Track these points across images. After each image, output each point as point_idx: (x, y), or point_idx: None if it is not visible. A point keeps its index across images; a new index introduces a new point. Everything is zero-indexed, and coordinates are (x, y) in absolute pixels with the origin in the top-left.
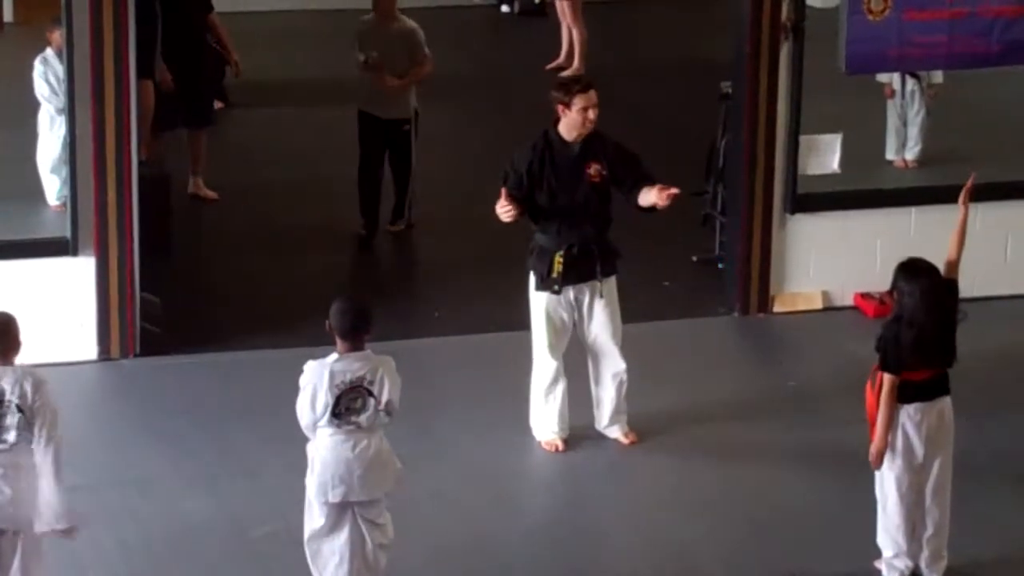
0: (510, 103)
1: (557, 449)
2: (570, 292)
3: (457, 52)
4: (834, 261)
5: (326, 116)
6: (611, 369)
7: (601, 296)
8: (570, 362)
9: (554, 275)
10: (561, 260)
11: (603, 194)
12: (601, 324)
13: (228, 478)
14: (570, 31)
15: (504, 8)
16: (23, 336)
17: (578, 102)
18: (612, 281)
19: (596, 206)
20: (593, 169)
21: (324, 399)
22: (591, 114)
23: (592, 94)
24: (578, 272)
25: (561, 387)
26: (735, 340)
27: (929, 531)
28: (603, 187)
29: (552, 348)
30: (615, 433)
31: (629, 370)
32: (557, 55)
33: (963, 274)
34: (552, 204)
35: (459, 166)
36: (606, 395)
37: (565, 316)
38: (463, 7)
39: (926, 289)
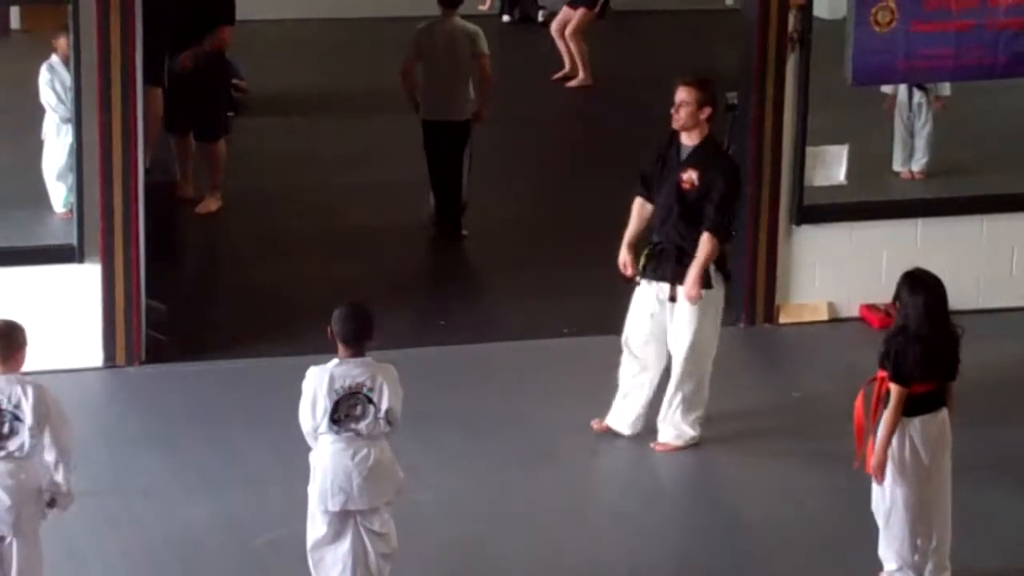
0: (517, 111)
1: (598, 428)
2: (654, 288)
3: None
4: (840, 272)
5: (334, 124)
6: (672, 378)
7: (673, 300)
8: None
9: (639, 267)
10: (645, 254)
11: (691, 203)
12: (673, 332)
13: (232, 486)
14: (566, 43)
15: (505, 18)
16: (29, 345)
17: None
18: (677, 289)
19: (680, 212)
20: (687, 175)
21: (323, 403)
22: (679, 111)
23: (681, 90)
24: (655, 270)
25: (630, 381)
26: (741, 351)
27: (933, 543)
28: (693, 197)
29: (629, 338)
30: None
31: None
32: (562, 65)
33: (969, 286)
34: (656, 199)
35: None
36: (664, 399)
37: (647, 311)
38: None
39: (930, 303)
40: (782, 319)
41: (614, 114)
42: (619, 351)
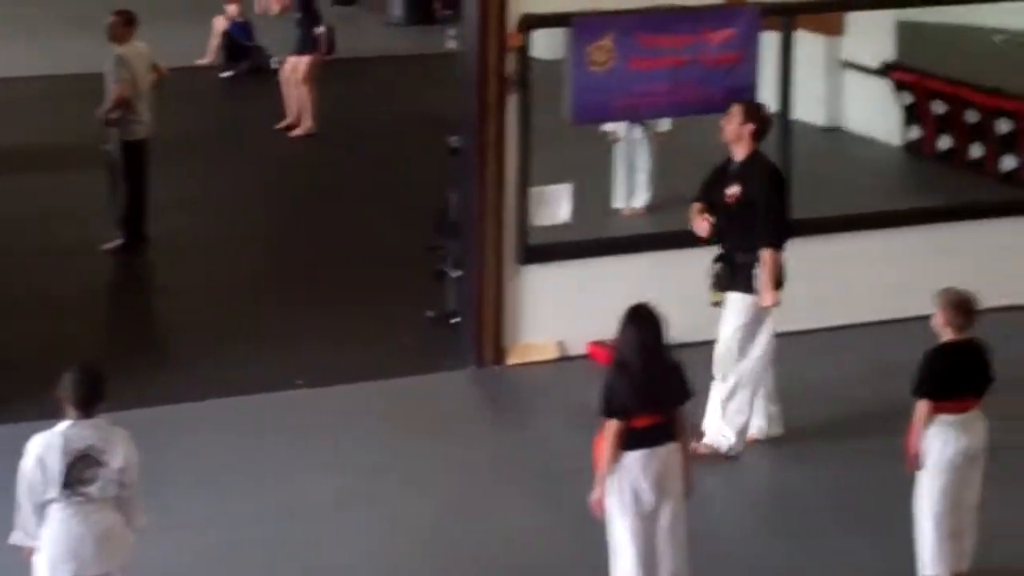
0: (243, 161)
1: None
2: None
3: (186, 113)
4: (567, 311)
5: (56, 181)
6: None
7: (716, 305)
8: None
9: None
10: (711, 268)
11: (735, 217)
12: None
13: None
14: (298, 91)
15: (225, 73)
16: None
17: None
18: (735, 298)
19: (728, 225)
20: (731, 190)
21: (54, 467)
22: (725, 125)
23: (733, 107)
24: (720, 281)
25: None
26: (471, 394)
27: None
28: (736, 211)
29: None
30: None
31: (367, 426)
32: (284, 114)
33: (698, 318)
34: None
35: (194, 226)
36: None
37: None
38: (185, 69)
39: (635, 334)
40: (511, 360)
41: (340, 161)
42: (355, 399)
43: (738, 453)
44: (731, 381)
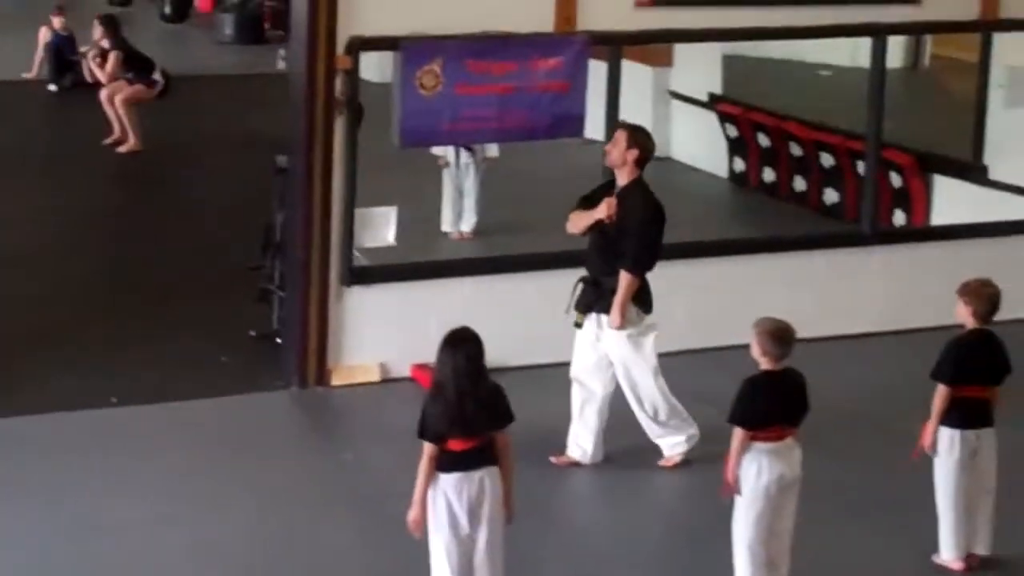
0: (70, 175)
1: (558, 462)
2: (589, 320)
3: (11, 126)
4: (391, 333)
5: None
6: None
7: (578, 326)
8: None
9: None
10: (575, 287)
11: (609, 239)
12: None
13: None
14: (115, 110)
15: (52, 87)
16: None
17: None
18: (601, 320)
19: (600, 246)
20: (612, 213)
21: None
22: (610, 150)
23: (617, 132)
24: (580, 301)
25: (583, 410)
26: (292, 414)
27: None
28: (611, 233)
29: (574, 367)
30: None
31: (182, 445)
32: (111, 131)
33: (518, 343)
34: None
35: (16, 240)
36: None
37: (587, 341)
38: (12, 82)
39: (451, 358)
40: (334, 381)
41: (167, 178)
42: (173, 418)
43: (696, 438)
44: (648, 406)
